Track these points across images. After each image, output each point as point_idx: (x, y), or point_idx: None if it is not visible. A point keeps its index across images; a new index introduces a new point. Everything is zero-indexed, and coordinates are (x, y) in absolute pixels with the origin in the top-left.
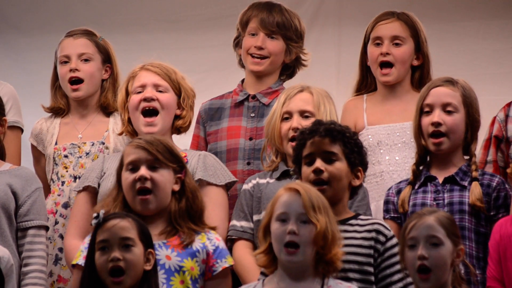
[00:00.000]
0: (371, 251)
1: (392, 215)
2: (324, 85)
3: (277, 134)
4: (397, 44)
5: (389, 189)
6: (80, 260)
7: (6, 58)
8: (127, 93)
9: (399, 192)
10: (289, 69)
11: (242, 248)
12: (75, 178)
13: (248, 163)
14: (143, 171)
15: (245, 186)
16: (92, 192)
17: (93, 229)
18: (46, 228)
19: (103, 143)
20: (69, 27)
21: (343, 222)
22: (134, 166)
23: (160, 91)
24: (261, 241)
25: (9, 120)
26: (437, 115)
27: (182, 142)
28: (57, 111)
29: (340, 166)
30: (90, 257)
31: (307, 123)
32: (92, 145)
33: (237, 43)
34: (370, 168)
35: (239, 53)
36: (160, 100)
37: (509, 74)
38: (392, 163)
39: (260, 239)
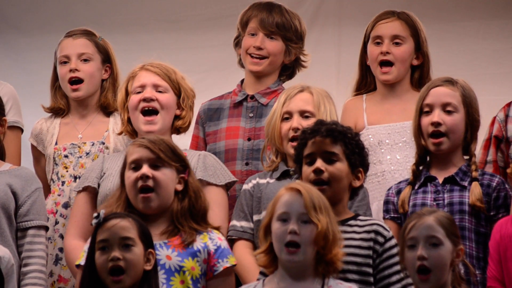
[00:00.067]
0: (370, 252)
1: (392, 215)
2: (324, 85)
3: (277, 134)
4: (397, 44)
5: (389, 189)
6: (83, 260)
7: (6, 58)
8: (127, 93)
9: (399, 192)
10: (288, 69)
11: (242, 248)
12: (75, 178)
13: (247, 164)
14: (145, 169)
15: (245, 186)
16: (92, 192)
17: (93, 229)
18: (46, 228)
19: (103, 143)
20: (69, 27)
21: (342, 222)
22: (136, 165)
23: (160, 91)
24: (261, 241)
25: (9, 120)
26: (437, 115)
27: (181, 143)
28: (57, 111)
29: (341, 166)
30: (90, 256)
31: (307, 123)
32: (92, 145)
33: (237, 43)
34: (371, 167)
35: (239, 53)
36: (160, 100)
37: (509, 74)
38: (393, 163)
39: (261, 239)
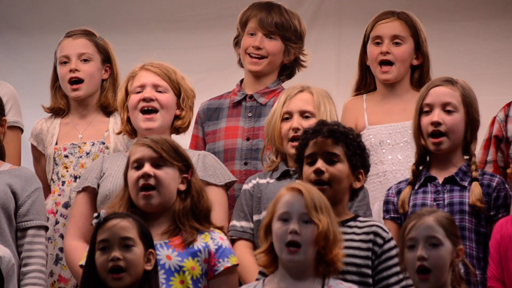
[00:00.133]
0: (369, 253)
1: (392, 215)
2: (324, 85)
3: (277, 134)
4: (397, 44)
5: (388, 189)
6: None
7: (6, 58)
8: (127, 93)
9: (399, 192)
10: (288, 69)
11: (242, 248)
12: (75, 178)
13: (245, 163)
14: (147, 168)
15: (245, 186)
16: (91, 192)
17: (93, 229)
18: (46, 228)
19: (104, 143)
20: (69, 27)
21: (342, 223)
22: (139, 164)
23: (160, 91)
24: (262, 241)
25: (9, 120)
26: (437, 115)
27: (181, 142)
28: (57, 111)
29: (342, 167)
30: (90, 256)
31: (307, 123)
32: (93, 145)
33: (237, 43)
34: (373, 167)
35: (238, 53)
36: (159, 100)
37: (509, 74)
38: (395, 163)
39: (261, 238)
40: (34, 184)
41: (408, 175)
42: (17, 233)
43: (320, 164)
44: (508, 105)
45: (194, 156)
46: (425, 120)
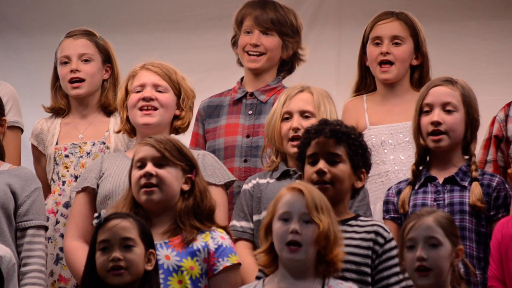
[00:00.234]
0: (369, 252)
1: (392, 215)
2: (324, 85)
3: (277, 134)
4: (396, 44)
5: (388, 190)
6: None
7: (6, 58)
8: (127, 92)
9: (399, 192)
10: (287, 64)
11: (241, 248)
12: (76, 177)
13: (245, 161)
14: (149, 167)
15: (245, 186)
16: (91, 192)
17: (94, 229)
18: (45, 228)
19: (104, 143)
20: (69, 27)
21: (343, 222)
22: (142, 163)
23: (160, 91)
24: (262, 241)
25: (9, 120)
26: (437, 115)
27: (182, 141)
28: (57, 111)
29: (344, 168)
30: (90, 257)
31: (307, 123)
32: (93, 145)
33: (234, 43)
34: (375, 168)
35: (236, 52)
36: (159, 100)
37: (509, 74)
38: (397, 163)
39: (261, 238)
40: (34, 184)
41: (410, 175)
42: (17, 233)
43: (322, 164)
44: (508, 105)
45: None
46: (425, 119)
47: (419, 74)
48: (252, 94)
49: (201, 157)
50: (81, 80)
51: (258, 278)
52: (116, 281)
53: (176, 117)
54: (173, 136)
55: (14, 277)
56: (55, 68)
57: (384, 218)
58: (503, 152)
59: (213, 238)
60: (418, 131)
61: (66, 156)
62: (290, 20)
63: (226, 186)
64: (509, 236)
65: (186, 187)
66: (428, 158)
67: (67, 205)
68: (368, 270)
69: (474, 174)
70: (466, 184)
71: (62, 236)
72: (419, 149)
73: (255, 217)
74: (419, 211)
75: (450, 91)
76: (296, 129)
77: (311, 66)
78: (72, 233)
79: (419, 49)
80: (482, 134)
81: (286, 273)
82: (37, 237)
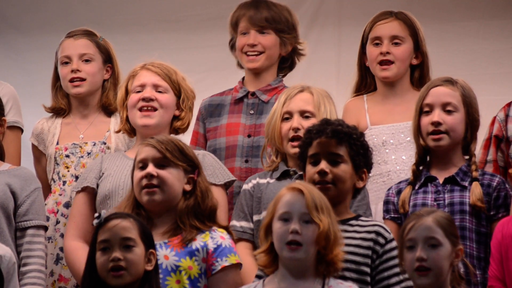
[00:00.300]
0: (369, 252)
1: (392, 215)
2: (324, 85)
3: (278, 134)
4: (396, 44)
5: (389, 189)
6: None
7: (6, 58)
8: (127, 92)
9: (399, 192)
10: (287, 61)
11: (241, 249)
12: (76, 177)
13: (246, 161)
14: (150, 168)
15: (245, 186)
16: (90, 192)
17: (94, 229)
18: (45, 228)
19: (105, 143)
20: (69, 27)
21: (344, 222)
22: (143, 164)
23: (160, 92)
24: (262, 241)
25: (9, 120)
26: (437, 115)
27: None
28: (58, 111)
29: (345, 168)
30: (91, 257)
31: (307, 123)
32: (94, 145)
33: (232, 46)
34: (376, 168)
35: (235, 56)
36: (159, 100)
37: (509, 74)
38: (399, 162)
39: (261, 238)
40: (34, 184)
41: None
42: (16, 233)
43: (324, 165)
44: (508, 105)
45: None
46: (425, 120)
47: (419, 73)
48: (253, 94)
49: (201, 157)
50: (82, 80)
51: (258, 277)
52: (116, 283)
53: (175, 118)
54: (174, 136)
55: (15, 277)
56: (56, 68)
57: (384, 218)
58: (503, 152)
59: (212, 238)
60: (418, 131)
61: (67, 156)
62: (285, 16)
63: (226, 186)
64: (510, 236)
65: (188, 187)
66: (428, 158)
67: (67, 205)
68: (367, 270)
69: (474, 174)
70: (466, 184)
71: (62, 236)
72: (419, 149)
73: (255, 217)
74: (419, 211)
75: (450, 91)
76: (296, 129)
77: (311, 66)
78: (72, 233)
79: (418, 48)
80: (482, 134)
81: (286, 273)
82: (36, 237)
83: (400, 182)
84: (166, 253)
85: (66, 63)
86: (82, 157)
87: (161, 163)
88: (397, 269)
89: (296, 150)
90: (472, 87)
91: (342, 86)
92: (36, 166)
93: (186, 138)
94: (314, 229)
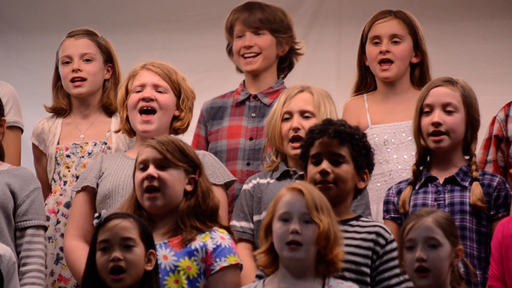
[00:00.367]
0: (369, 253)
1: (392, 215)
2: (324, 85)
3: (278, 134)
4: (396, 42)
5: (389, 189)
6: None
7: (6, 58)
8: (127, 91)
9: (399, 192)
10: (285, 61)
11: (241, 250)
12: (77, 178)
13: (248, 164)
14: (151, 169)
15: (245, 186)
16: (90, 192)
17: (94, 229)
18: (45, 228)
19: (105, 143)
20: (69, 27)
21: (344, 222)
22: (144, 165)
23: (160, 92)
24: (262, 241)
25: (9, 120)
26: (437, 115)
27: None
28: (59, 111)
29: (347, 168)
30: (91, 257)
31: (307, 123)
32: (95, 145)
33: (230, 51)
34: (378, 167)
35: (233, 60)
36: (159, 101)
37: (509, 74)
38: (400, 162)
39: (261, 239)
40: (33, 184)
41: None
42: (16, 232)
43: (325, 165)
44: (508, 105)
45: None
46: (426, 120)
47: (419, 72)
48: (255, 97)
49: (201, 156)
50: (83, 80)
51: (259, 277)
52: (117, 286)
53: (175, 118)
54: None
55: (15, 276)
56: (57, 68)
57: (384, 218)
58: (503, 152)
59: (212, 238)
60: (418, 132)
61: (68, 156)
62: (279, 16)
63: (226, 186)
64: (510, 236)
65: (189, 188)
66: (428, 158)
67: (68, 205)
68: (367, 270)
69: (475, 174)
70: (466, 184)
71: (62, 236)
72: (420, 149)
73: (255, 217)
74: (419, 212)
75: (450, 92)
76: (296, 129)
77: (311, 66)
78: (72, 233)
79: (418, 46)
80: (482, 134)
81: (286, 273)
82: (36, 237)
83: (400, 182)
84: (166, 253)
85: (67, 62)
86: (82, 157)
87: (162, 164)
88: (397, 270)
89: (296, 151)
90: (472, 87)
91: (342, 86)
92: (36, 166)
93: (187, 139)
94: (314, 229)
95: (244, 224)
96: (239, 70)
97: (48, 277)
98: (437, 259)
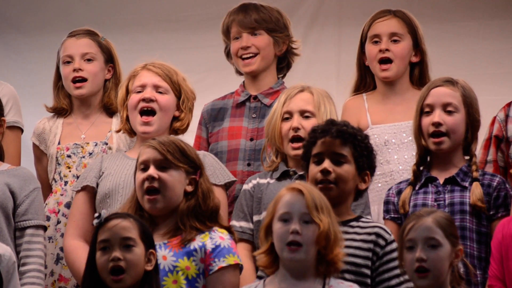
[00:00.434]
0: (370, 254)
1: (392, 215)
2: (324, 85)
3: (278, 134)
4: (395, 41)
5: (389, 190)
6: None
7: (6, 58)
8: (127, 91)
9: (399, 192)
10: (283, 61)
11: (240, 250)
12: (78, 178)
13: (248, 164)
14: (151, 170)
15: (245, 186)
16: (90, 192)
17: (94, 229)
18: (44, 228)
19: (106, 143)
20: (70, 27)
21: (345, 223)
22: (145, 166)
23: (160, 92)
24: (262, 241)
25: (9, 120)
26: (438, 115)
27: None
28: (59, 111)
29: (348, 168)
30: (91, 257)
31: (307, 123)
32: (95, 145)
33: (228, 53)
34: (379, 167)
35: (232, 63)
36: (159, 102)
37: (509, 74)
38: (401, 162)
39: (262, 239)
40: (33, 184)
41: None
42: (16, 232)
43: (327, 164)
44: (508, 105)
45: None
46: (426, 120)
47: (419, 71)
48: (255, 97)
49: (202, 157)
50: (84, 80)
51: (259, 277)
52: (117, 286)
53: (175, 118)
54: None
55: (15, 276)
56: (57, 68)
57: (384, 218)
58: (503, 152)
59: (211, 238)
60: (419, 132)
61: (68, 156)
62: (275, 16)
63: (226, 186)
64: (510, 236)
65: (189, 189)
66: (428, 159)
67: (68, 205)
68: (367, 271)
69: (475, 174)
70: (466, 184)
71: (63, 236)
72: (420, 149)
73: (255, 218)
74: (419, 212)
75: (450, 92)
76: (296, 129)
77: (311, 66)
78: (72, 232)
79: (417, 46)
80: (482, 134)
81: (286, 273)
82: (36, 237)
83: (400, 182)
84: (165, 253)
85: (68, 62)
86: (83, 157)
87: (162, 165)
88: (397, 271)
89: (296, 152)
90: (472, 87)
91: (342, 86)
92: (36, 165)
93: (188, 139)
94: (314, 229)
95: (243, 224)
96: (239, 72)
97: (48, 277)
98: (437, 259)
